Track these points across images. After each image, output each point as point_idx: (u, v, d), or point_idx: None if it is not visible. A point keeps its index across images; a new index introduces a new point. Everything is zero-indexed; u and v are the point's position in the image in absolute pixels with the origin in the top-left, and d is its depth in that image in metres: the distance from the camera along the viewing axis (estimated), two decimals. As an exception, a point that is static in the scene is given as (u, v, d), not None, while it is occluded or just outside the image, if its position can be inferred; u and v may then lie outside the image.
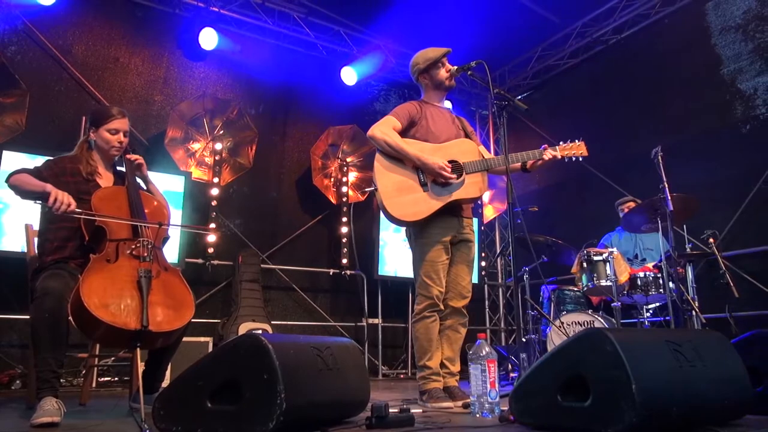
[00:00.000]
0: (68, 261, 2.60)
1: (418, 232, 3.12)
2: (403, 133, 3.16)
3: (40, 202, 2.48)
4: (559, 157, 3.14)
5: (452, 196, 3.02)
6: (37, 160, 4.55)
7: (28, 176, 2.58)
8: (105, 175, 2.86)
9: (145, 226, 2.61)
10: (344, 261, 6.25)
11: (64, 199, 2.44)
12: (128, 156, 2.85)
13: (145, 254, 2.49)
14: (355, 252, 6.28)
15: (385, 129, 3.07)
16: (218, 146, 5.66)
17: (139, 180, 2.92)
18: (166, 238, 2.79)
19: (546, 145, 3.15)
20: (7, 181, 2.60)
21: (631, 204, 4.78)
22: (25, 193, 2.57)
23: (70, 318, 2.30)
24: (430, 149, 3.07)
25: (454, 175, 3.00)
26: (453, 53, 3.28)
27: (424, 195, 3.01)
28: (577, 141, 3.18)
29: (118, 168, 2.95)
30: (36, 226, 2.97)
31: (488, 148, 7.35)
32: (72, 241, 2.63)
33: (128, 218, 2.61)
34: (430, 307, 3.06)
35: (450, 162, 3.03)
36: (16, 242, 4.39)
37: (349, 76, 6.66)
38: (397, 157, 3.06)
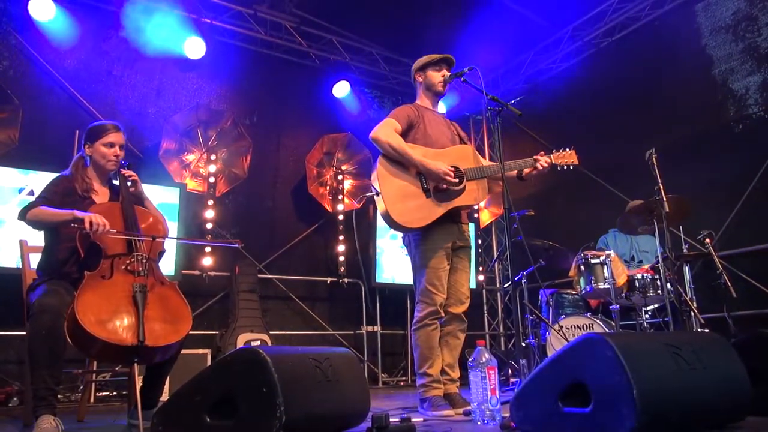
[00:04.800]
0: (65, 277, 2.58)
1: (420, 239, 3.10)
2: (402, 136, 3.17)
3: (75, 226, 2.47)
4: (553, 164, 3.15)
5: (454, 203, 3.01)
6: (30, 176, 4.57)
7: (46, 208, 2.57)
8: (101, 191, 2.85)
9: (139, 241, 2.60)
10: (342, 269, 6.24)
11: (100, 221, 2.46)
12: (123, 171, 2.84)
13: (140, 269, 2.48)
14: (350, 260, 6.28)
15: (388, 131, 3.06)
16: (213, 157, 5.65)
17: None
18: (161, 252, 2.79)
19: (539, 155, 3.15)
20: (24, 218, 2.58)
21: None
22: (51, 224, 2.58)
23: (67, 336, 2.28)
24: (432, 154, 3.07)
25: (456, 180, 3.00)
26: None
27: (427, 201, 2.99)
28: (567, 149, 3.19)
29: (114, 182, 2.94)
30: (30, 242, 2.96)
31: (482, 154, 7.37)
32: (73, 257, 2.63)
33: (132, 233, 2.61)
34: (432, 315, 3.04)
35: (452, 168, 3.03)
36: (10, 258, 4.37)
37: (342, 89, 6.66)
38: (399, 161, 3.04)
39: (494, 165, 3.13)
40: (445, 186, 3.00)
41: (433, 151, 3.10)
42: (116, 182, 2.91)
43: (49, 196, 2.67)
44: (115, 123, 2.89)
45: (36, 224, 2.59)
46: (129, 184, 2.83)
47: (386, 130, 3.07)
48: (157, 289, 2.49)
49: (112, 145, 2.82)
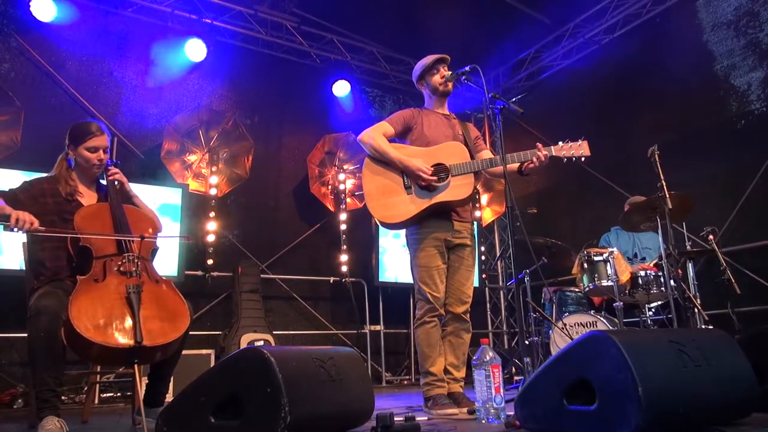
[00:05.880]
0: (66, 279, 2.57)
1: (412, 238, 3.13)
2: (399, 137, 3.18)
3: (3, 224, 2.42)
4: (554, 154, 3.04)
5: (434, 199, 3.01)
6: (33, 177, 4.56)
7: None
8: (87, 194, 2.80)
9: (130, 241, 2.56)
10: (344, 269, 6.24)
11: (26, 218, 2.40)
12: (108, 172, 2.79)
13: (133, 269, 2.46)
14: (353, 259, 6.28)
15: (373, 133, 3.11)
16: (214, 157, 5.65)
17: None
18: (154, 250, 2.74)
19: (540, 144, 3.04)
20: None
21: None
22: None
23: (65, 341, 2.27)
24: (419, 153, 3.07)
25: (432, 177, 2.99)
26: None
27: (407, 197, 3.02)
28: (579, 141, 3.08)
29: (102, 182, 2.89)
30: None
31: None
32: (64, 260, 2.60)
33: (103, 233, 2.55)
34: (429, 312, 3.05)
35: (436, 165, 3.02)
36: (14, 260, 4.38)
37: (341, 88, 6.66)
38: (384, 161, 3.09)
39: (485, 159, 3.07)
40: (423, 182, 3.00)
41: (420, 149, 3.10)
42: (104, 182, 2.85)
43: (16, 191, 2.64)
44: (98, 124, 2.80)
45: None
46: (115, 184, 2.77)
47: (371, 133, 3.11)
48: (152, 288, 2.47)
49: (95, 149, 2.74)
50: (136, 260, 2.50)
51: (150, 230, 2.75)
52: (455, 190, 3.03)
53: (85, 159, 2.75)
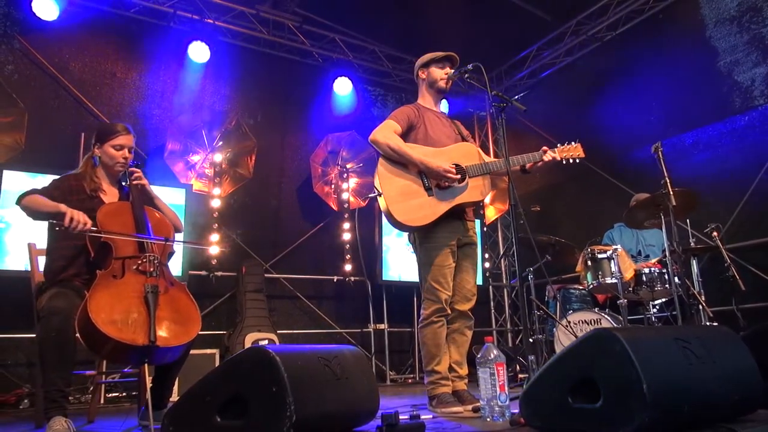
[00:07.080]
0: (73, 279, 2.59)
1: (424, 237, 3.11)
2: (403, 137, 3.17)
3: (54, 222, 2.47)
4: (558, 158, 3.16)
5: (457, 200, 3.02)
6: (38, 179, 4.58)
7: (40, 197, 2.59)
8: (110, 191, 2.87)
9: (151, 242, 2.60)
10: (348, 268, 6.24)
11: (80, 218, 2.46)
12: (131, 170, 2.85)
13: (152, 270, 2.49)
14: (357, 258, 6.28)
15: (387, 133, 3.07)
16: (218, 157, 5.66)
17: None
18: (171, 253, 2.80)
19: (546, 147, 3.16)
20: (19, 203, 2.61)
21: None
22: (38, 214, 2.58)
23: (78, 335, 2.30)
24: (432, 153, 3.07)
25: (458, 177, 3.00)
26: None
27: (429, 199, 3.00)
28: (573, 143, 3.19)
29: (124, 184, 2.94)
30: (38, 245, 2.98)
31: (487, 150, 7.36)
32: (78, 258, 2.63)
33: (135, 234, 2.61)
34: (437, 312, 3.04)
35: (453, 165, 3.03)
36: (19, 261, 4.40)
37: (342, 86, 6.66)
38: (399, 162, 3.06)
39: (497, 161, 3.13)
40: (446, 183, 3.00)
41: (434, 149, 3.10)
42: (125, 183, 2.91)
43: (49, 189, 2.70)
44: (125, 125, 2.89)
45: (27, 210, 2.59)
46: (138, 186, 2.83)
47: (385, 132, 3.07)
48: (168, 291, 2.51)
49: (121, 147, 2.83)
50: (156, 261, 2.53)
51: (171, 235, 2.80)
52: (473, 190, 3.06)
53: (110, 156, 2.83)
